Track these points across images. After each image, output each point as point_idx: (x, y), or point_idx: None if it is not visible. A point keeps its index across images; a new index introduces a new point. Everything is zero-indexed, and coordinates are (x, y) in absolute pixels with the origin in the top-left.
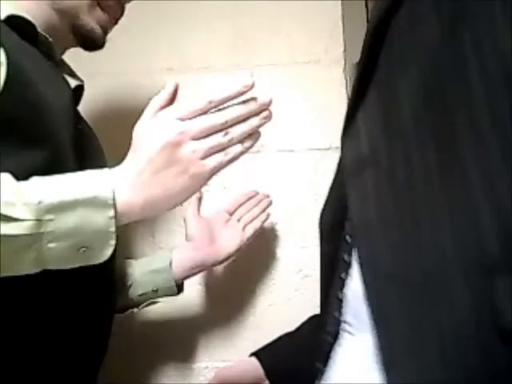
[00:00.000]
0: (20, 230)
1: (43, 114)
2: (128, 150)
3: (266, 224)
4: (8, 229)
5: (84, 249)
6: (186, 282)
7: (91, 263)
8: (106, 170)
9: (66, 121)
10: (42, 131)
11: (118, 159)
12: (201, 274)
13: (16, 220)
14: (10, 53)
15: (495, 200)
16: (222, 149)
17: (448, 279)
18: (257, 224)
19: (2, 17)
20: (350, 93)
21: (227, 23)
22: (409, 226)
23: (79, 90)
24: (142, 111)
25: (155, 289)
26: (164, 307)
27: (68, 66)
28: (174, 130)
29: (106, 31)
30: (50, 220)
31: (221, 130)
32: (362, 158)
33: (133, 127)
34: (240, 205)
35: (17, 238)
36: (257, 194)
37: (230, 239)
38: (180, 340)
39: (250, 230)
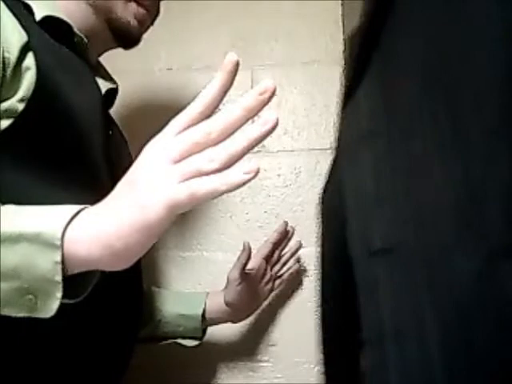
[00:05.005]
0: None
1: (71, 123)
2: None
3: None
4: None
5: (30, 296)
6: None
7: (38, 316)
8: (72, 206)
9: (95, 128)
10: (70, 140)
11: None
12: (204, 278)
13: None
14: (40, 56)
15: (497, 174)
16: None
17: (450, 257)
18: (285, 277)
19: (38, 18)
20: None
21: (227, 23)
22: (406, 203)
23: (113, 92)
24: (142, 111)
25: (182, 332)
26: None
27: (104, 69)
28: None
29: (142, 26)
30: None
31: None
32: (359, 134)
33: (132, 127)
34: (274, 243)
35: None
36: (287, 231)
37: (261, 298)
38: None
39: (277, 284)
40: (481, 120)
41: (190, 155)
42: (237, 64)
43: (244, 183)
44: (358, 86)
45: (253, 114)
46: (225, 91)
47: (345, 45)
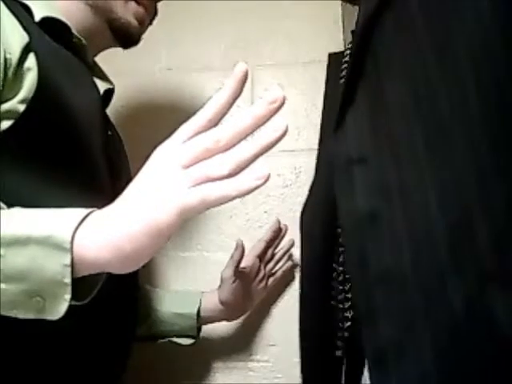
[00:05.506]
0: None
1: (71, 124)
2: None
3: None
4: None
5: (38, 298)
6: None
7: (47, 318)
8: (82, 209)
9: (95, 128)
10: (70, 141)
11: None
12: (204, 279)
13: None
14: (41, 57)
15: (487, 199)
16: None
17: (443, 280)
18: (278, 275)
19: (37, 19)
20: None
21: (227, 23)
22: (400, 225)
23: (109, 92)
24: (142, 111)
25: (178, 331)
26: None
27: (100, 69)
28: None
29: (142, 26)
30: (0, 256)
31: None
32: (349, 157)
33: (132, 127)
34: (268, 241)
35: None
36: (280, 228)
37: (255, 296)
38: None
39: (270, 282)
40: (471, 145)
41: (199, 161)
42: (246, 73)
43: (254, 189)
44: (346, 112)
45: (262, 122)
46: (234, 99)
47: (345, 45)
